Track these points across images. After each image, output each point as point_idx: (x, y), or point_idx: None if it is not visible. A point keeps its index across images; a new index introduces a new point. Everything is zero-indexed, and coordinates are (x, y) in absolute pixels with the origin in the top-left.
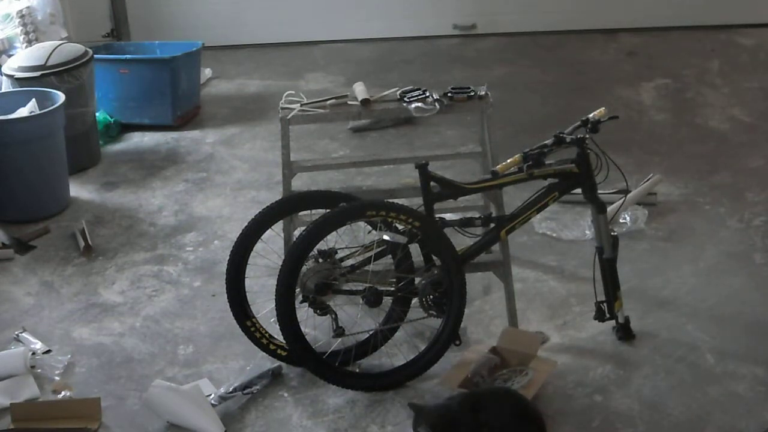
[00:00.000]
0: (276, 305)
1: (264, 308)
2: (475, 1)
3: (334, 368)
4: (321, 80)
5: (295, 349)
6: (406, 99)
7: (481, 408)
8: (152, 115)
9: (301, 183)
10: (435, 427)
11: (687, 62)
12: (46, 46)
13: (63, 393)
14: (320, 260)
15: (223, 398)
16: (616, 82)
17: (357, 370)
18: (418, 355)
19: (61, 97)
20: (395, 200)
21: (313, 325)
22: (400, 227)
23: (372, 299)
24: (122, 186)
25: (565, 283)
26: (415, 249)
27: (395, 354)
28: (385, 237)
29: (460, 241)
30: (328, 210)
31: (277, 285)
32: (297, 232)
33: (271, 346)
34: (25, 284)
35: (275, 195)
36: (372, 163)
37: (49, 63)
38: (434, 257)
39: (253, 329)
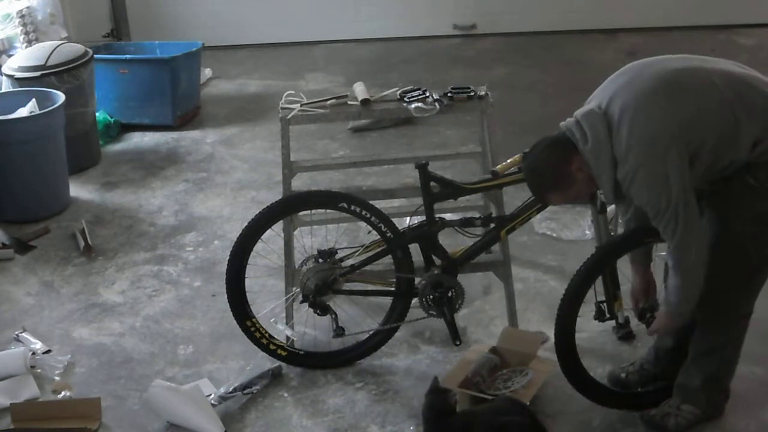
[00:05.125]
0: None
1: (264, 308)
2: (475, 1)
3: None
4: (321, 80)
5: None
6: (406, 99)
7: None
8: (152, 115)
9: (301, 183)
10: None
11: None
12: (46, 46)
13: (63, 393)
14: (320, 260)
15: (223, 398)
16: None
17: None
18: None
19: (61, 97)
20: (396, 200)
21: (313, 325)
22: None
23: None
24: (122, 186)
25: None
26: (415, 249)
27: (395, 354)
28: None
29: (461, 241)
30: (327, 210)
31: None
32: (297, 232)
33: (271, 346)
34: (25, 284)
35: (275, 195)
36: (372, 163)
37: (49, 63)
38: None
39: (253, 329)
